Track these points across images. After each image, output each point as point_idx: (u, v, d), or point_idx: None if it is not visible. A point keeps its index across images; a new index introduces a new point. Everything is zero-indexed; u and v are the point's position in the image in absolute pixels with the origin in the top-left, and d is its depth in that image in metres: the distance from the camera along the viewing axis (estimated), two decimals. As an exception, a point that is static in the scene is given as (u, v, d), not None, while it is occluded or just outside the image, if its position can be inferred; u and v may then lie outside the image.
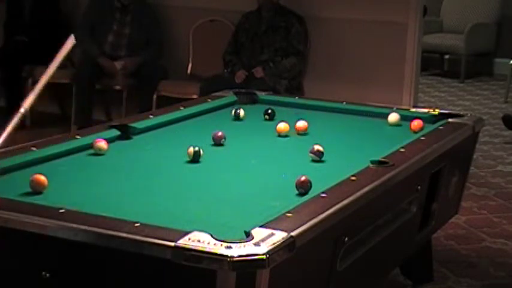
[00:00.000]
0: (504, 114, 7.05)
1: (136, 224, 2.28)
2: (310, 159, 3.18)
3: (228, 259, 2.09)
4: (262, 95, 4.42)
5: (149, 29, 6.45)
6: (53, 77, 6.99)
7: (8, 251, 2.44)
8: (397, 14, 5.85)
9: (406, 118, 3.85)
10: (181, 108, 3.97)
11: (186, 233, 2.20)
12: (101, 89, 6.54)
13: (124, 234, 2.23)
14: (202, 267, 2.12)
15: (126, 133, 3.48)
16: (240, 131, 3.69)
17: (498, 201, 5.24)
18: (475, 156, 4.56)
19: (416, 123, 3.72)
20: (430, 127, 3.73)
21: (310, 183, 2.72)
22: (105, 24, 6.41)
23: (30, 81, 6.61)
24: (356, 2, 6.02)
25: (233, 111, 3.92)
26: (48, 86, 6.90)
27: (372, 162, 3.04)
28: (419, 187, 3.30)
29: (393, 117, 3.84)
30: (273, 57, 5.91)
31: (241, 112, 3.90)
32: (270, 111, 3.94)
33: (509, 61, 8.21)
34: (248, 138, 3.62)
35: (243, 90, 4.53)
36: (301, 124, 3.66)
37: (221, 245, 2.14)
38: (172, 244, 2.16)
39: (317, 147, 3.18)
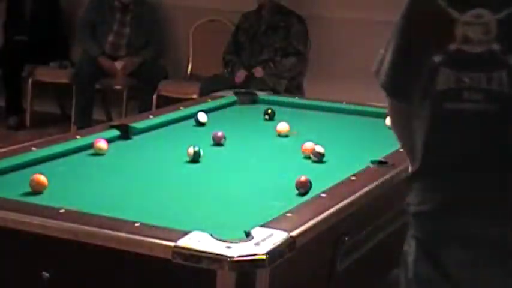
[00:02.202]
0: (504, 114, 7.03)
1: (136, 224, 2.28)
2: (311, 159, 3.18)
3: (228, 259, 2.09)
4: (262, 95, 4.42)
5: (149, 29, 6.45)
6: (53, 77, 6.99)
7: (8, 251, 2.44)
8: (397, 14, 5.83)
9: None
10: (181, 108, 3.97)
11: (186, 233, 2.20)
12: (101, 89, 6.54)
13: (124, 234, 2.23)
14: (202, 267, 2.12)
15: (126, 133, 3.48)
16: (240, 131, 3.69)
17: (498, 201, 5.22)
18: (475, 156, 4.54)
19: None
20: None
21: (310, 183, 2.72)
22: (105, 24, 6.40)
23: (30, 81, 6.61)
24: (356, 2, 6.01)
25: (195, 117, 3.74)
26: (48, 86, 6.91)
27: (372, 162, 3.04)
28: (419, 187, 3.29)
29: None
30: (273, 57, 5.90)
31: (202, 117, 3.77)
32: (270, 111, 3.94)
33: (509, 61, 8.20)
34: (248, 138, 3.62)
35: (243, 90, 4.53)
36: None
37: (221, 245, 2.14)
38: (172, 244, 2.16)
39: (318, 149, 3.17)
